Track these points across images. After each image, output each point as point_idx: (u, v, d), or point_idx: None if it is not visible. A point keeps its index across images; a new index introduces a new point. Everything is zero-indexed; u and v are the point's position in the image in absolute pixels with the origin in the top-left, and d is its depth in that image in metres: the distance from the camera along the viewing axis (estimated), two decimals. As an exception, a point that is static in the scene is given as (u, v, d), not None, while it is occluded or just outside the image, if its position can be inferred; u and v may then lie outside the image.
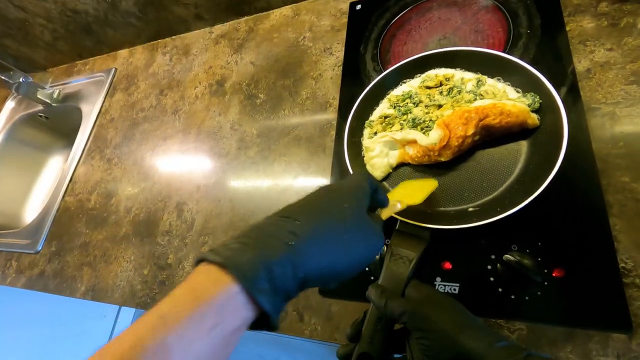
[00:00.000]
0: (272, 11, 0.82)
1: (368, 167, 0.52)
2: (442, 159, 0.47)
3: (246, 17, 0.86)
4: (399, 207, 0.37)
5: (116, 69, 1.02)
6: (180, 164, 0.74)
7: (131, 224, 0.72)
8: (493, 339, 0.29)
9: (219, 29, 0.89)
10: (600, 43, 0.47)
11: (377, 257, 0.45)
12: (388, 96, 0.55)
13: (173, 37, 0.97)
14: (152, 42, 1.00)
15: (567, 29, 0.50)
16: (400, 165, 0.52)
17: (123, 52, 1.05)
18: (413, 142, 0.48)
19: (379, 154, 0.51)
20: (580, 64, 0.47)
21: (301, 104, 0.67)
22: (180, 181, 0.71)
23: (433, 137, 0.46)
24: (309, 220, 0.26)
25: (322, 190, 0.30)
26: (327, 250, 0.26)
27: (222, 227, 0.62)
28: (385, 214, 0.36)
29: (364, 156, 0.53)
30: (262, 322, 0.24)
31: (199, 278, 0.23)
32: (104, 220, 0.76)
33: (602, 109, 0.44)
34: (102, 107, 0.97)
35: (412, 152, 0.49)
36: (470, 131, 0.44)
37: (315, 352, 1.15)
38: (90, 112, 0.97)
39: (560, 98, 0.41)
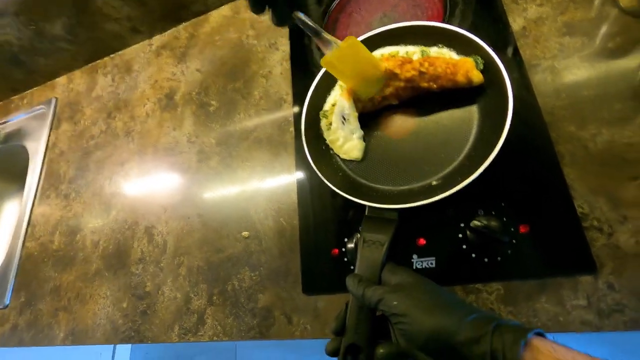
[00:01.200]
0: (210, 13, 0.79)
1: (343, 156, 0.51)
2: (393, 101, 0.48)
3: (184, 24, 0.82)
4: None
5: (57, 98, 0.96)
6: (142, 187, 0.71)
7: (101, 258, 0.69)
8: (463, 313, 0.29)
9: (158, 39, 0.85)
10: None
11: (352, 245, 0.45)
12: (339, 82, 0.54)
13: (111, 55, 0.92)
14: (90, 65, 0.94)
15: (499, -10, 0.50)
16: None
17: (61, 80, 0.98)
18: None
19: (345, 139, 0.50)
20: (516, 23, 0.48)
21: (255, 104, 0.65)
22: (145, 205, 0.68)
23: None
24: None
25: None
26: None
27: (195, 244, 0.60)
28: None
29: (325, 147, 0.52)
30: None
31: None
32: (71, 259, 0.72)
33: (542, 64, 0.45)
34: (48, 141, 0.91)
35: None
36: (416, 60, 0.45)
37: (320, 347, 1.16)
38: (36, 149, 0.91)
39: (500, 59, 0.42)
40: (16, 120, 1.00)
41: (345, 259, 0.47)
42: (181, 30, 0.82)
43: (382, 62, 0.45)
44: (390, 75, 0.46)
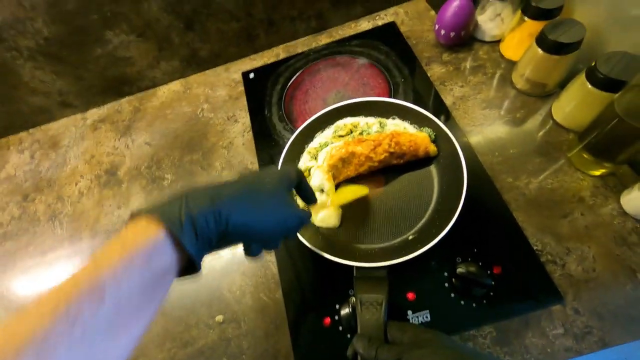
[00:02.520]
0: (158, 88, 0.78)
1: (320, 224, 0.51)
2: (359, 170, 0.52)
3: (128, 97, 0.79)
4: (328, 204, 0.49)
5: (-56, 181, 0.78)
6: (74, 280, 0.59)
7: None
8: None
9: (94, 113, 0.79)
10: (454, 82, 0.61)
11: (347, 311, 0.44)
12: (307, 149, 0.57)
13: (30, 130, 0.81)
14: (-1, 141, 0.81)
15: (429, 74, 0.63)
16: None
17: (-47, 159, 0.81)
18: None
19: (321, 208, 0.52)
20: (447, 99, 0.60)
21: (217, 175, 0.63)
22: (80, 302, 0.56)
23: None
24: (233, 185, 0.32)
25: (251, 171, 0.36)
26: (246, 210, 0.30)
27: (154, 342, 0.50)
28: (314, 209, 0.47)
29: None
30: (188, 268, 0.28)
31: (129, 229, 0.26)
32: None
33: (474, 130, 0.56)
34: None
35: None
36: (385, 142, 0.50)
37: None
38: None
39: (447, 128, 0.51)
40: None
41: (340, 328, 0.45)
42: (124, 103, 0.78)
43: (354, 147, 0.51)
44: (365, 159, 0.51)
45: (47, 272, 0.61)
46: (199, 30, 0.69)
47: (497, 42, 0.62)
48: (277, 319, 0.48)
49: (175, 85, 0.78)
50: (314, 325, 0.46)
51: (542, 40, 0.49)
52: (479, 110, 0.57)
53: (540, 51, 0.50)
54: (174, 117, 0.73)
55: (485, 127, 0.56)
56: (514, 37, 0.58)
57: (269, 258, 0.52)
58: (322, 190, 0.51)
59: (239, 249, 0.54)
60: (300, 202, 0.49)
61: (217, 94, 0.74)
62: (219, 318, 0.50)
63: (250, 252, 0.35)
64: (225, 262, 0.54)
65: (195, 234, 0.27)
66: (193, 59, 0.74)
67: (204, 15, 0.67)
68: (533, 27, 0.53)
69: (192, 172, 0.65)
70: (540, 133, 0.53)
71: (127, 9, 0.62)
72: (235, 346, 0.47)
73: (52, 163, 0.74)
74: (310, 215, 0.40)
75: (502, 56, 0.61)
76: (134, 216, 0.27)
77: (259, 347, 0.47)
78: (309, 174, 0.54)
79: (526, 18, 0.54)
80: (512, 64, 0.58)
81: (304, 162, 0.56)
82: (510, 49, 0.59)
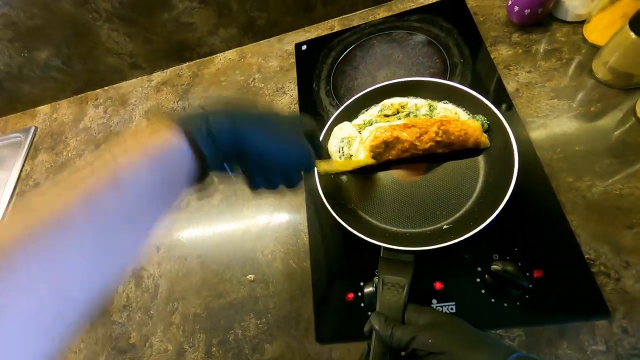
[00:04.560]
0: (215, 56, 0.81)
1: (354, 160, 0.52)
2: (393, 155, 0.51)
3: (188, 63, 0.83)
4: (334, 165, 0.49)
5: (36, 127, 0.90)
6: (131, 224, 0.66)
7: (76, 304, 0.61)
8: (505, 352, 0.30)
9: (158, 76, 0.85)
10: (520, 67, 0.55)
11: (370, 289, 0.44)
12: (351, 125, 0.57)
13: (105, 87, 0.90)
14: (79, 95, 0.91)
15: (492, 56, 0.57)
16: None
17: (44, 109, 0.94)
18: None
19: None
20: (509, 85, 0.54)
21: (262, 144, 0.65)
22: (135, 244, 0.63)
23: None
24: (252, 108, 0.32)
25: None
26: (262, 133, 0.31)
27: (193, 288, 0.56)
28: (320, 166, 0.45)
29: (337, 188, 0.53)
30: (202, 173, 0.29)
31: (146, 130, 0.26)
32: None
33: (537, 122, 0.50)
34: (21, 171, 0.84)
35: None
36: (432, 130, 0.48)
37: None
38: (6, 180, 0.83)
39: (504, 118, 0.47)
40: (-17, 147, 0.92)
41: (362, 304, 0.46)
42: (184, 68, 0.83)
43: (400, 132, 0.49)
44: (410, 146, 0.49)
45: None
46: (258, -2, 0.69)
47: (580, 23, 0.54)
48: (303, 286, 0.50)
49: (231, 54, 0.80)
50: (337, 299, 0.47)
51: (637, 23, 0.42)
52: (545, 100, 0.52)
53: (633, 35, 0.43)
54: (228, 84, 0.76)
55: (550, 120, 0.50)
56: (604, 18, 0.50)
57: (302, 228, 0.54)
58: (343, 154, 0.52)
59: (273, 217, 0.57)
60: None
61: (269, 64, 0.75)
62: (251, 277, 0.53)
63: (253, 183, 0.34)
64: (261, 227, 0.57)
65: (212, 142, 0.27)
66: (250, 27, 0.76)
67: (264, -17, 0.67)
68: (629, 6, 0.46)
69: (239, 138, 0.67)
70: (617, 131, 0.47)
71: (192, -25, 0.65)
72: (262, 305, 0.51)
73: (120, 119, 0.82)
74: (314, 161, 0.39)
75: (584, 40, 0.54)
76: (152, 120, 0.28)
77: (283, 309, 0.49)
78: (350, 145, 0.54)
79: (622, -5, 0.46)
80: (595, 50, 0.51)
81: (348, 132, 0.56)
82: (597, 32, 0.52)
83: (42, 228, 0.19)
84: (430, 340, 0.31)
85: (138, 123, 0.79)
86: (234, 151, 0.29)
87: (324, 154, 0.43)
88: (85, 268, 0.21)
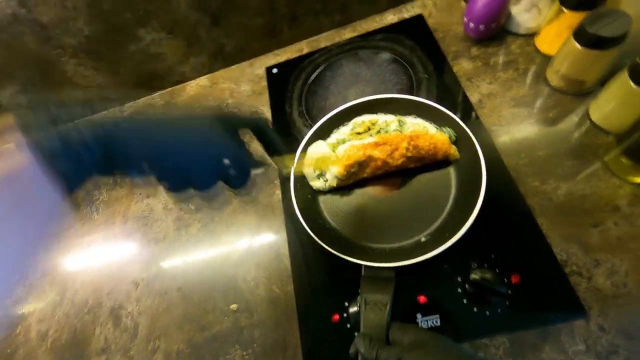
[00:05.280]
0: (187, 83, 0.82)
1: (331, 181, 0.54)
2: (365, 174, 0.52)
3: (160, 92, 0.83)
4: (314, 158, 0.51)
5: (3, 166, 0.87)
6: (107, 261, 0.64)
7: (50, 352, 0.58)
8: None
9: (130, 107, 0.84)
10: (481, 79, 0.58)
11: (355, 309, 0.44)
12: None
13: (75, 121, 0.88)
14: (48, 131, 0.89)
15: (455, 70, 0.60)
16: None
17: (10, 147, 0.90)
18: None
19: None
20: (473, 97, 0.57)
21: (238, 169, 0.65)
22: (112, 281, 0.61)
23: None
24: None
25: None
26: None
27: (175, 323, 0.54)
28: (284, 162, 0.40)
29: (314, 208, 0.53)
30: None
31: None
32: (7, 359, 0.59)
33: (501, 129, 0.53)
34: (-13, 214, 0.80)
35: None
36: (403, 146, 0.49)
37: None
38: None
39: (469, 128, 0.49)
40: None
41: (348, 325, 0.45)
42: (156, 97, 0.82)
43: (372, 151, 0.50)
44: (382, 164, 0.50)
45: (85, 253, 0.66)
46: (225, 25, 0.70)
47: (532, 36, 0.58)
48: (288, 312, 0.49)
49: (203, 80, 0.80)
50: (323, 321, 0.46)
51: (580, 34, 0.45)
52: (507, 109, 0.54)
53: (578, 45, 0.46)
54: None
55: (513, 127, 0.52)
56: (551, 30, 0.53)
57: (283, 251, 0.54)
58: (320, 175, 0.53)
59: (253, 241, 0.56)
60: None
61: (241, 89, 0.75)
62: (234, 307, 0.52)
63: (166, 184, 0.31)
64: (242, 253, 0.56)
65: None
66: (219, 54, 0.77)
67: (229, 10, 0.68)
68: (572, 18, 0.49)
69: (215, 165, 0.67)
70: (575, 134, 0.49)
71: (157, 7, 0.65)
72: (247, 334, 0.49)
73: (92, 152, 0.80)
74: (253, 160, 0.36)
75: (537, 50, 0.57)
76: None
77: (269, 337, 0.48)
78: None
79: (565, 9, 0.50)
80: (547, 60, 0.54)
81: (322, 152, 0.56)
82: (547, 43, 0.55)
83: None
84: None
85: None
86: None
87: (283, 150, 0.39)
88: None
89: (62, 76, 0.76)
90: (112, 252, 0.64)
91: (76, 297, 0.62)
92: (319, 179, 0.54)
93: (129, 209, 0.68)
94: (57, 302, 0.62)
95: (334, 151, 0.55)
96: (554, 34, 0.53)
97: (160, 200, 0.67)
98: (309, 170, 0.54)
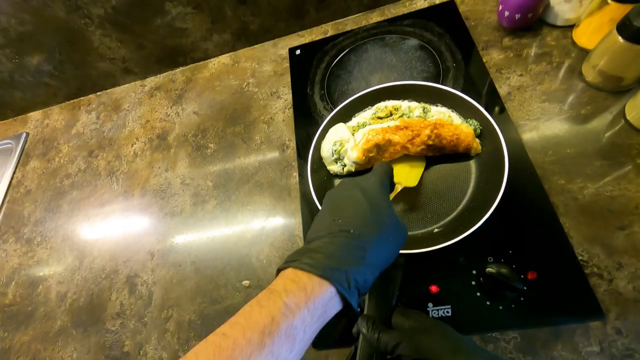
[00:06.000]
0: (209, 60, 0.81)
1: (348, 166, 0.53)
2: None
3: (182, 68, 0.83)
4: (399, 188, 0.47)
5: (28, 133, 0.89)
6: (125, 231, 0.66)
7: (68, 313, 0.60)
8: (487, 358, 0.30)
9: (151, 81, 0.85)
10: (512, 70, 0.56)
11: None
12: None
13: (97, 93, 0.89)
14: (71, 101, 0.91)
15: (484, 60, 0.58)
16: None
17: (35, 115, 0.93)
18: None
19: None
20: (501, 89, 0.55)
21: (256, 149, 0.65)
22: (128, 251, 0.63)
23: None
24: (367, 234, 0.32)
25: (357, 191, 0.35)
26: (384, 253, 0.33)
27: (187, 294, 0.55)
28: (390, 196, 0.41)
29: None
30: (346, 313, 0.31)
31: (303, 280, 0.29)
32: (28, 316, 0.62)
33: (528, 124, 0.51)
34: (12, 179, 0.83)
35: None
36: (424, 133, 0.48)
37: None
38: (-4, 187, 0.82)
39: (495, 122, 0.47)
40: (-27, 154, 0.91)
41: (358, 309, 0.45)
42: (178, 74, 0.83)
43: (392, 135, 0.49)
44: (401, 149, 0.49)
45: (103, 222, 0.68)
46: (251, 3, 0.70)
47: (570, 28, 0.55)
48: (299, 292, 0.49)
49: (225, 59, 0.80)
50: (333, 303, 0.47)
51: (624, 27, 0.43)
52: (537, 103, 0.52)
53: (620, 39, 0.43)
54: (222, 89, 0.76)
55: (541, 122, 0.51)
56: (592, 22, 0.51)
57: (297, 233, 0.54)
58: (338, 160, 0.53)
59: (268, 221, 0.56)
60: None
61: (263, 69, 0.75)
62: (246, 283, 0.53)
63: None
64: (256, 232, 0.57)
65: (356, 292, 0.30)
66: (243, 32, 0.76)
67: (257, -12, 0.67)
68: (616, 11, 0.46)
69: (234, 144, 0.67)
70: (608, 134, 0.47)
71: (185, -20, 0.65)
72: (257, 310, 0.50)
73: (113, 124, 0.81)
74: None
75: (574, 43, 0.54)
76: (281, 270, 0.32)
77: (279, 315, 0.49)
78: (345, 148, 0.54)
79: (610, 0, 0.47)
80: (584, 54, 0.52)
81: (340, 135, 0.56)
82: (585, 36, 0.53)
83: None
84: (414, 347, 0.31)
85: (131, 130, 0.78)
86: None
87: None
88: None
89: (87, 46, 0.76)
90: (129, 222, 0.66)
91: (94, 264, 0.64)
92: (336, 162, 0.54)
93: (148, 182, 0.69)
94: (76, 267, 0.65)
95: (353, 134, 0.54)
96: (595, 27, 0.50)
97: (178, 174, 0.68)
98: (326, 155, 0.54)
